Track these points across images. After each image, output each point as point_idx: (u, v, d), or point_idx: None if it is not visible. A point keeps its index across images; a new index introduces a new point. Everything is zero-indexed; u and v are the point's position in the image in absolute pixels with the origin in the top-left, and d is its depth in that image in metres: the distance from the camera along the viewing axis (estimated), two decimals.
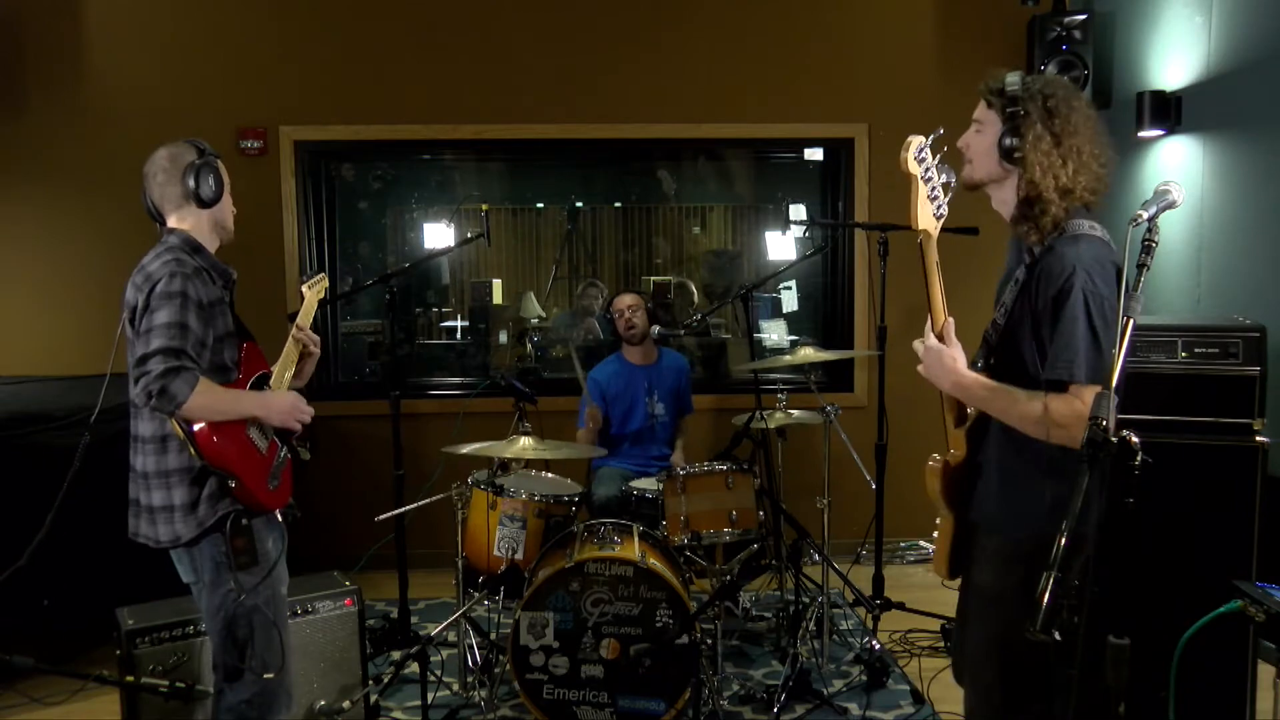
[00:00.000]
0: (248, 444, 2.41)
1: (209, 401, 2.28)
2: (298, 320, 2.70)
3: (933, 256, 2.02)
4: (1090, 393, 1.80)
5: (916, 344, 2.10)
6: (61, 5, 4.76)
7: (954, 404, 2.16)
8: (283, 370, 2.61)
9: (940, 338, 2.07)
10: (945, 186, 2.02)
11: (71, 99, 4.78)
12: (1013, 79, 2.03)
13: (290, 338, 2.65)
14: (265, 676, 2.48)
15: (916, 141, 1.98)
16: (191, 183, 2.43)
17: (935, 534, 2.32)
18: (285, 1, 4.89)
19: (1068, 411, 1.88)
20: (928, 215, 2.00)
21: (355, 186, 5.74)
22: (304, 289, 2.82)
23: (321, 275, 2.88)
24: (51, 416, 3.64)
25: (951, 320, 2.07)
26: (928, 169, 1.99)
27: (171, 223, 2.47)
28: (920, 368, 2.10)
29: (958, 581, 2.31)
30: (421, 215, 6.66)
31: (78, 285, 4.83)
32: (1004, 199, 2.10)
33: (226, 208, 2.54)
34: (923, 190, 1.98)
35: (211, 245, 2.51)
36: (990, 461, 2.15)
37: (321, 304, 2.89)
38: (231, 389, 2.40)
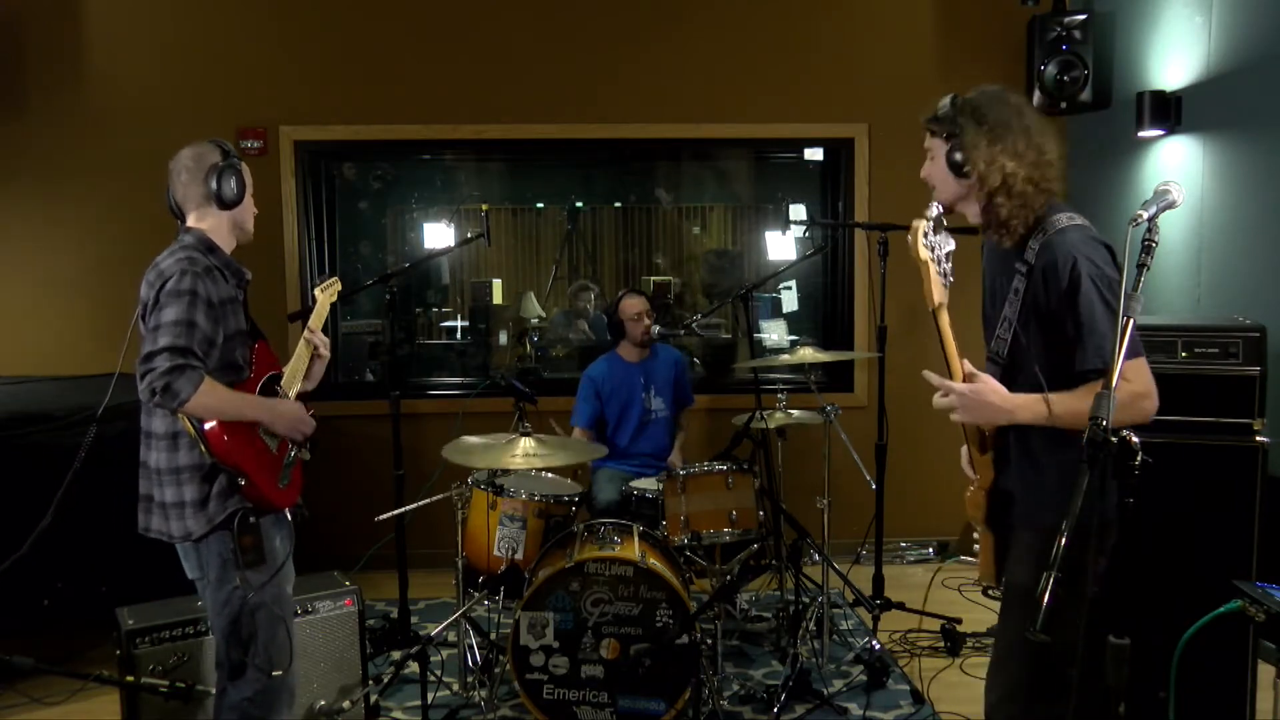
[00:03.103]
0: (258, 443, 2.43)
1: (212, 401, 2.29)
2: (310, 323, 2.72)
3: (946, 322, 2.07)
4: (1132, 366, 1.89)
5: (938, 400, 2.08)
6: (61, 5, 4.76)
7: (976, 433, 2.18)
8: (294, 371, 2.62)
9: (967, 380, 2.08)
10: (949, 255, 2.08)
11: (71, 99, 4.78)
12: (942, 103, 2.18)
13: (302, 339, 2.67)
14: (275, 674, 2.48)
15: (921, 226, 2.04)
16: (214, 184, 2.44)
17: (976, 546, 2.34)
18: (285, 1, 4.89)
19: (1125, 393, 1.88)
20: (940, 290, 2.06)
21: (355, 186, 5.74)
22: (317, 292, 2.85)
23: (334, 279, 2.91)
24: (51, 416, 3.64)
25: (967, 361, 2.10)
26: (934, 248, 2.05)
27: (191, 221, 2.49)
28: (956, 416, 2.08)
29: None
30: (421, 215, 6.66)
31: (77, 285, 4.83)
32: (975, 214, 2.19)
33: (248, 209, 2.56)
34: (933, 270, 2.04)
35: (229, 245, 2.53)
36: (1016, 482, 2.17)
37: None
38: (238, 391, 2.41)
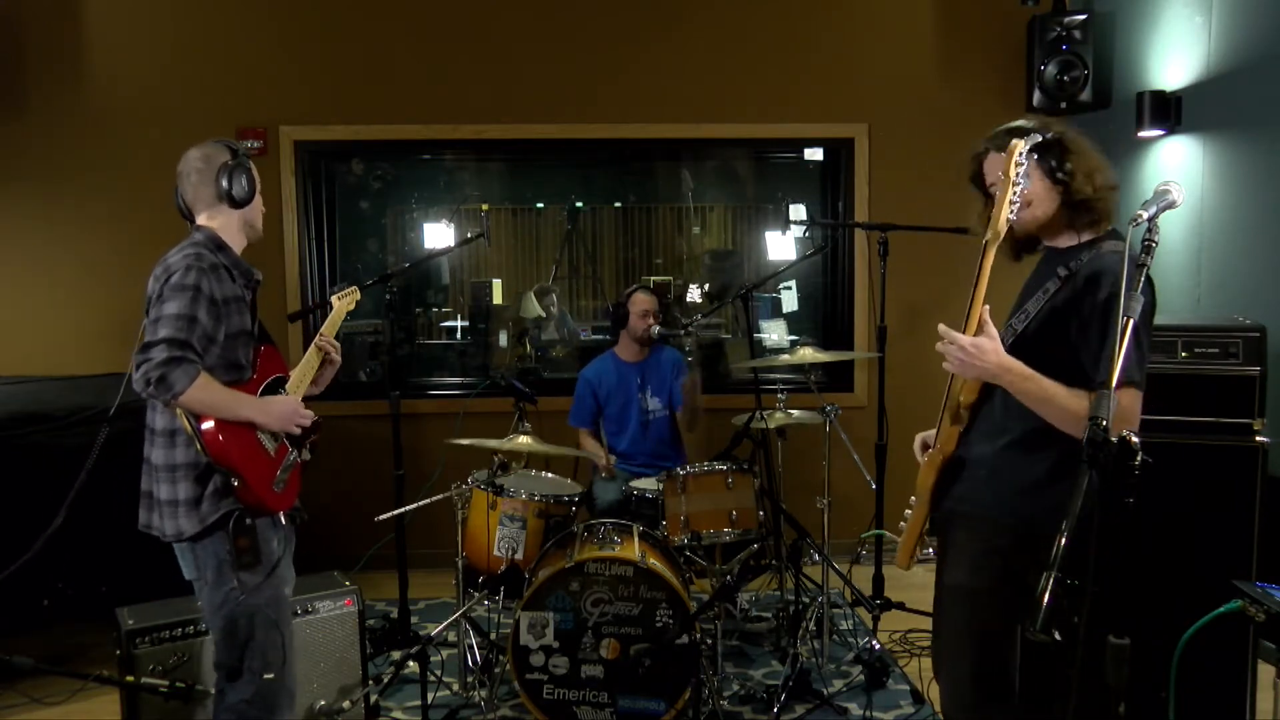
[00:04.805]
0: (255, 444, 2.42)
1: (207, 396, 2.30)
2: (323, 329, 2.74)
3: (989, 263, 2.06)
4: (1128, 395, 1.92)
5: (940, 347, 2.10)
6: (61, 5, 4.76)
7: (955, 404, 2.19)
8: (301, 376, 2.62)
9: (979, 331, 2.10)
10: (1021, 194, 2.07)
11: (71, 99, 4.78)
12: (1025, 124, 2.18)
13: (313, 344, 2.68)
14: (266, 677, 2.48)
15: (1020, 146, 2.03)
16: (225, 183, 2.46)
17: (903, 524, 2.34)
18: (285, 1, 4.89)
19: (1115, 411, 1.89)
20: (1004, 220, 2.04)
21: (355, 186, 5.74)
22: (334, 299, 2.87)
23: (353, 288, 2.93)
24: (51, 416, 3.64)
25: (987, 307, 2.10)
26: (1020, 173, 2.04)
27: (201, 221, 2.51)
28: (948, 365, 2.10)
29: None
30: (421, 215, 6.66)
31: (77, 285, 4.83)
32: (1058, 231, 2.21)
33: (257, 207, 2.58)
34: (1009, 193, 2.03)
35: (239, 244, 2.54)
36: (974, 456, 2.19)
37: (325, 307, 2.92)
38: (234, 390, 2.40)
